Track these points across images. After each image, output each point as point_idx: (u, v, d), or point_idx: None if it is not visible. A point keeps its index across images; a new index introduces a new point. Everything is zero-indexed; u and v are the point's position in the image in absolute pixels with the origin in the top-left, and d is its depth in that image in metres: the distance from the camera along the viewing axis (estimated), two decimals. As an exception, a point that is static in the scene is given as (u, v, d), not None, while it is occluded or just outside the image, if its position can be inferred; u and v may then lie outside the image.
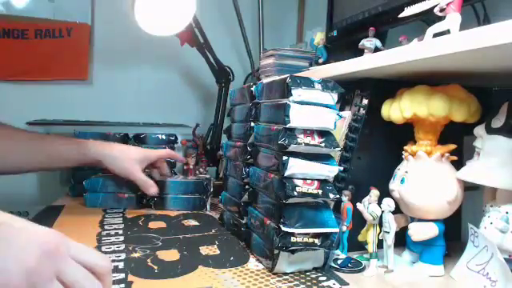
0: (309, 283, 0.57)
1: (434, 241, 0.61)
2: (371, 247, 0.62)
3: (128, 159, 0.90)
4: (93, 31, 1.43)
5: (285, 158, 0.57)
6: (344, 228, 0.66)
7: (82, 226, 0.81)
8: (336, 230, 0.59)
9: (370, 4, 0.87)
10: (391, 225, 0.61)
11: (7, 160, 0.85)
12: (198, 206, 0.98)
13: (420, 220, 0.63)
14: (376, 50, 0.78)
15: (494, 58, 0.51)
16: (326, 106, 0.59)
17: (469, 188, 0.63)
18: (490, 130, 0.58)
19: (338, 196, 0.59)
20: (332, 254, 0.63)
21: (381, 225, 0.62)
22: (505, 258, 0.52)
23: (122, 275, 0.56)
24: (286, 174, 0.57)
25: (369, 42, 0.79)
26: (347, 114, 0.75)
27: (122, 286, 0.52)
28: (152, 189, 0.91)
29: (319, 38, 1.04)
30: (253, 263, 0.63)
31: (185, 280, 0.56)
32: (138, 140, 1.19)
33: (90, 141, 0.92)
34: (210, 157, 1.30)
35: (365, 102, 0.72)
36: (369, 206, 0.62)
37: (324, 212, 0.60)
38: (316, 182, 0.58)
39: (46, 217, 0.87)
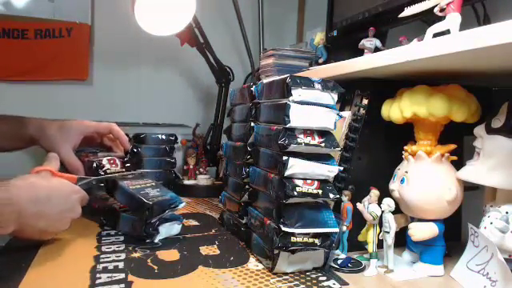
0: (309, 283, 0.57)
1: (434, 241, 0.61)
2: (371, 247, 0.62)
3: (60, 137, 0.78)
4: (93, 31, 1.43)
5: (285, 157, 0.57)
6: (344, 228, 0.66)
7: (82, 226, 0.81)
8: (336, 230, 0.59)
9: (370, 4, 0.87)
10: (391, 225, 0.61)
11: None
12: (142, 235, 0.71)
13: (420, 220, 0.63)
14: (376, 49, 0.78)
15: (493, 57, 0.51)
16: (326, 105, 0.59)
17: (469, 188, 0.63)
18: (490, 130, 0.58)
19: (338, 196, 0.59)
20: (332, 253, 0.63)
21: (381, 225, 0.62)
22: (505, 258, 0.52)
23: (122, 275, 0.56)
24: (286, 174, 0.57)
25: (369, 42, 0.79)
26: (347, 114, 0.75)
27: (122, 285, 0.52)
28: (78, 172, 0.77)
29: (319, 38, 1.04)
30: (253, 263, 0.63)
31: (185, 280, 0.56)
32: (138, 140, 1.19)
33: (32, 118, 0.81)
34: (210, 157, 1.30)
35: (365, 101, 0.72)
36: (369, 206, 0.62)
37: (324, 212, 0.59)
38: (316, 182, 0.58)
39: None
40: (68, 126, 0.81)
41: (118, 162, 0.82)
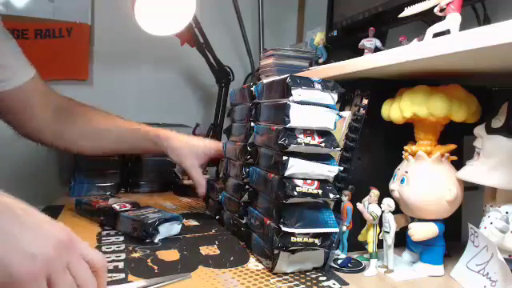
0: (309, 283, 0.57)
1: (434, 241, 0.61)
2: (371, 247, 0.62)
3: (190, 155, 0.91)
4: (93, 31, 1.43)
5: (285, 157, 0.57)
6: (344, 228, 0.66)
7: (82, 226, 0.81)
8: (336, 230, 0.59)
9: (370, 4, 0.87)
10: (391, 225, 0.61)
11: (87, 143, 0.94)
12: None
13: (420, 220, 0.63)
14: (376, 49, 0.78)
15: (494, 57, 0.51)
16: (326, 105, 0.59)
17: (469, 188, 0.63)
18: (490, 130, 0.58)
19: (338, 196, 0.59)
20: (332, 253, 0.63)
21: (381, 225, 0.62)
22: (505, 258, 0.52)
23: (122, 275, 0.56)
24: (286, 173, 0.57)
25: (369, 42, 0.79)
26: (347, 114, 0.75)
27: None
28: (200, 189, 0.91)
29: (319, 38, 1.04)
30: (253, 263, 0.63)
31: (185, 280, 0.56)
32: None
33: (157, 129, 0.93)
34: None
35: (365, 102, 0.72)
36: (369, 206, 0.62)
37: (324, 212, 0.60)
38: (316, 182, 0.58)
39: (46, 217, 0.87)
40: (197, 146, 0.92)
41: (127, 205, 0.84)
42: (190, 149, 0.91)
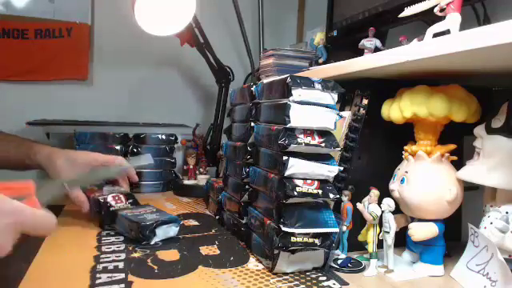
0: (309, 283, 0.57)
1: (434, 241, 0.61)
2: (371, 247, 0.62)
3: (66, 168, 0.81)
4: (93, 31, 1.43)
5: (285, 157, 0.57)
6: (344, 228, 0.66)
7: (82, 226, 0.81)
8: (336, 230, 0.59)
9: (370, 4, 0.87)
10: (391, 225, 0.61)
11: None
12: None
13: (420, 220, 0.63)
14: (376, 49, 0.78)
15: (493, 57, 0.51)
16: (326, 106, 0.59)
17: (469, 188, 0.63)
18: (490, 130, 0.58)
19: (338, 196, 0.59)
20: (332, 253, 0.63)
21: (381, 225, 0.62)
22: (505, 258, 0.52)
23: (122, 275, 0.56)
24: (286, 173, 0.57)
25: (369, 42, 0.79)
26: (347, 114, 0.75)
27: (122, 285, 0.52)
28: (83, 206, 0.80)
29: (319, 38, 1.04)
30: (253, 263, 0.63)
31: (185, 280, 0.56)
32: (138, 140, 1.19)
33: (39, 145, 0.85)
34: (210, 157, 1.31)
35: (365, 102, 0.72)
36: (369, 206, 0.62)
37: (324, 212, 0.60)
38: (316, 182, 0.58)
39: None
40: (74, 156, 0.83)
41: (122, 198, 0.83)
42: (66, 161, 0.82)
